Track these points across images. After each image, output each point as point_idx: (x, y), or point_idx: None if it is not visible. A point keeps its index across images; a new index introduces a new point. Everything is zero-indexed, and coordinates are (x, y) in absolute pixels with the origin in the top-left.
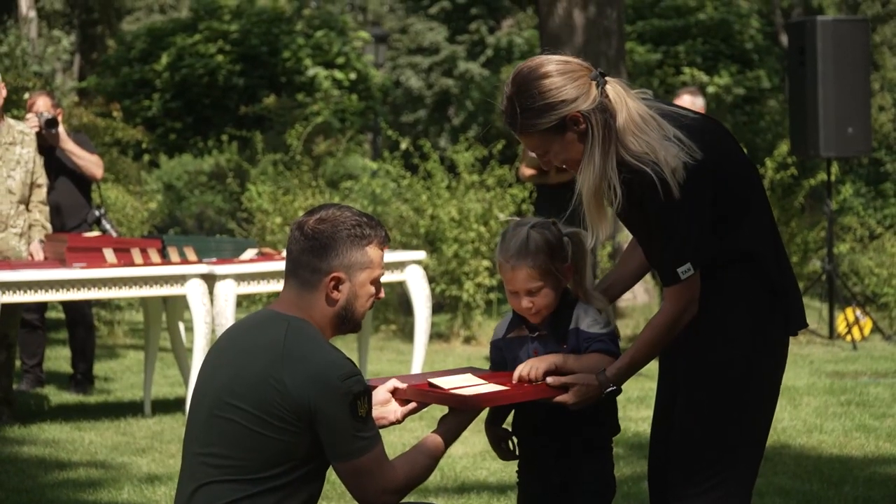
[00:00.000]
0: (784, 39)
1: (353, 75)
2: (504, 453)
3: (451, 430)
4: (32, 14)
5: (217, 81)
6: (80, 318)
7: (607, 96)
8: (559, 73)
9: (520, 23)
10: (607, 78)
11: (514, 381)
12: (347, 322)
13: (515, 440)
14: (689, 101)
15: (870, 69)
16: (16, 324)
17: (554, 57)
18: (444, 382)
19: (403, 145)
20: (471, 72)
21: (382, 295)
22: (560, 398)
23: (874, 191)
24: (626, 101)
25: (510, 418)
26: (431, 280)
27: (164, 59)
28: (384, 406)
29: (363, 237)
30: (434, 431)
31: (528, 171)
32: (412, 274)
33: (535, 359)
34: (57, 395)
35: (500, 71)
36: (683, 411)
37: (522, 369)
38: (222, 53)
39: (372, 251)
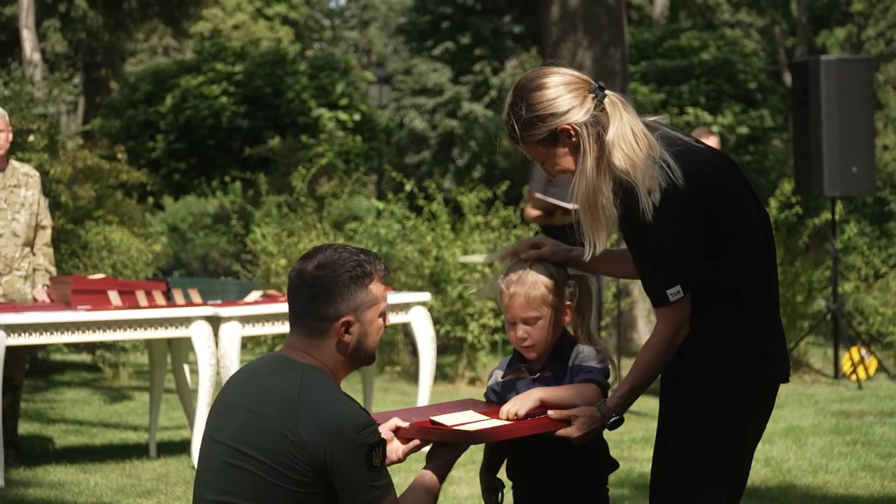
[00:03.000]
0: (788, 79)
1: (357, 116)
2: None
3: (442, 466)
4: (37, 57)
5: (221, 123)
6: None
7: (603, 109)
8: (556, 84)
9: (524, 63)
10: (608, 92)
11: (501, 419)
12: (361, 359)
13: (502, 495)
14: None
15: (874, 108)
16: (21, 367)
17: (554, 69)
18: (446, 420)
19: (408, 186)
20: (475, 113)
21: (389, 321)
22: (563, 431)
23: (878, 230)
24: (621, 114)
25: (505, 465)
26: (436, 321)
27: (169, 101)
28: (387, 445)
29: (364, 276)
30: (425, 468)
31: (533, 213)
32: (417, 315)
33: (519, 397)
34: (62, 438)
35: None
36: (660, 446)
37: (508, 408)
38: (226, 95)
39: (375, 288)
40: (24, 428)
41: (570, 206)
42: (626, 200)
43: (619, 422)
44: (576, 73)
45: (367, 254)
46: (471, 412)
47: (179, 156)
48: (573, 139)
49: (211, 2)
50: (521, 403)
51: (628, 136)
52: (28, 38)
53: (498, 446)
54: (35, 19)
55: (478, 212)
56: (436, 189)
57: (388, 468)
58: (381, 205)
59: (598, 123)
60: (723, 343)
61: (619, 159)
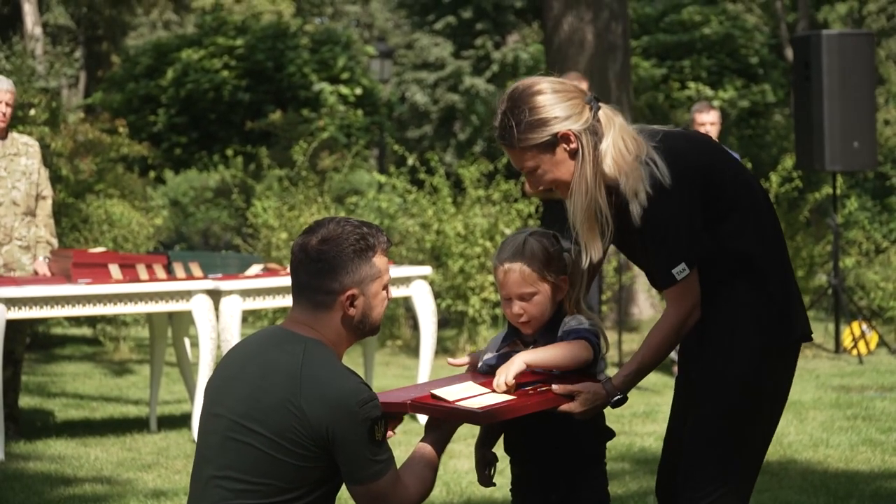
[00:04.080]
0: (789, 53)
1: (358, 90)
2: (484, 479)
3: (441, 438)
4: (38, 31)
5: (222, 97)
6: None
7: (598, 120)
8: (553, 91)
9: (525, 38)
10: (601, 104)
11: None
12: (366, 331)
13: (495, 469)
14: (705, 118)
15: (875, 83)
16: (22, 340)
17: (549, 77)
18: (446, 394)
19: (409, 160)
20: (476, 87)
21: (391, 294)
22: (566, 407)
23: (880, 205)
24: (615, 124)
25: (502, 439)
26: (437, 295)
27: (170, 75)
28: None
29: (368, 249)
30: (423, 440)
31: None
32: (418, 289)
33: (504, 365)
34: (63, 412)
35: (505, 86)
36: (691, 426)
37: (497, 380)
38: (227, 69)
39: (378, 260)
40: (25, 402)
41: None
42: (619, 204)
43: (623, 400)
44: (569, 82)
45: (370, 227)
46: (470, 384)
47: (180, 130)
48: (572, 145)
49: None
50: (507, 370)
51: (619, 145)
52: (29, 11)
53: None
54: None
55: (479, 185)
56: (437, 162)
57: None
58: (382, 178)
59: (596, 133)
60: (743, 311)
61: (608, 166)
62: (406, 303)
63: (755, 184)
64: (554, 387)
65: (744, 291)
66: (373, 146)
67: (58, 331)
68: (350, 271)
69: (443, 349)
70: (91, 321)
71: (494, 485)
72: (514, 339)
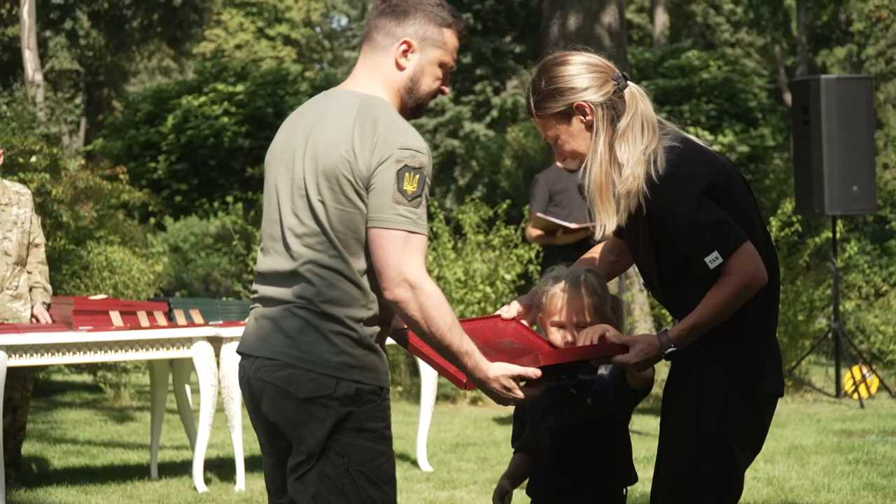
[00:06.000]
0: (788, 98)
1: None
2: None
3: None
4: (39, 77)
5: (223, 143)
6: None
7: (622, 97)
8: (579, 63)
9: (524, 83)
10: (630, 83)
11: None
12: (413, 95)
13: (510, 497)
14: None
15: (874, 127)
16: (22, 387)
17: (582, 52)
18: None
19: None
20: (476, 132)
21: (447, 89)
22: (621, 357)
23: (879, 248)
24: (637, 104)
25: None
26: None
27: (170, 121)
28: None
29: (444, 18)
30: None
31: (534, 232)
32: None
33: (589, 328)
34: (63, 459)
35: (505, 131)
36: (659, 453)
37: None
38: (228, 115)
39: (448, 34)
40: (26, 448)
41: (571, 225)
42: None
43: (677, 353)
44: (603, 59)
45: (457, 12)
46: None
47: (181, 177)
48: (588, 118)
49: (213, 22)
50: (591, 332)
51: (636, 128)
52: (30, 58)
53: (527, 463)
54: (40, 38)
55: (479, 231)
56: (437, 208)
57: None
58: None
59: (614, 108)
60: (716, 355)
61: (620, 150)
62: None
63: (760, 228)
64: (608, 334)
65: (721, 332)
66: None
67: (58, 377)
68: (416, 23)
69: (443, 395)
70: (92, 368)
71: None
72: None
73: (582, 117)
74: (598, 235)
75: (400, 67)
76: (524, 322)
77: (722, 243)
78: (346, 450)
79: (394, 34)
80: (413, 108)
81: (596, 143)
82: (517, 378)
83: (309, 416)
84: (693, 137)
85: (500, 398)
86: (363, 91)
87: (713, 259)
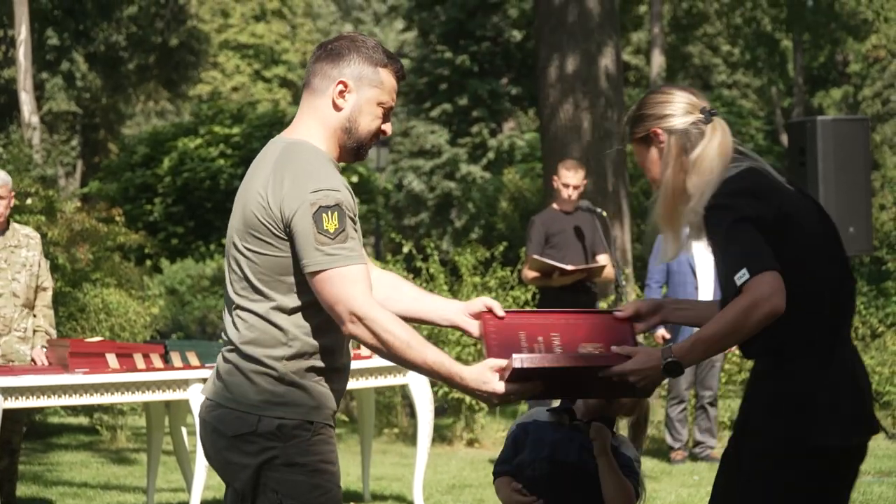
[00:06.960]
0: (784, 139)
1: (354, 178)
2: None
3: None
4: (35, 120)
5: (219, 185)
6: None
7: (702, 130)
8: (668, 93)
9: (521, 125)
10: (716, 118)
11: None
12: (352, 136)
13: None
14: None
15: (870, 168)
16: (19, 430)
17: (680, 86)
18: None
19: (406, 248)
20: (473, 174)
21: (388, 130)
22: (619, 367)
23: (876, 289)
24: (715, 137)
25: None
26: (434, 383)
27: (166, 164)
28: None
29: (379, 58)
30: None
31: (531, 274)
32: (415, 377)
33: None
34: (60, 501)
35: (501, 173)
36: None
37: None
38: (224, 157)
39: (385, 74)
40: (22, 491)
41: (567, 267)
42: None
43: (676, 366)
44: (696, 94)
45: (392, 53)
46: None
47: (177, 219)
48: (661, 145)
49: (210, 64)
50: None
51: (708, 159)
52: (26, 101)
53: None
54: (36, 80)
55: (475, 272)
56: (433, 248)
57: None
58: (379, 266)
59: (689, 139)
60: (757, 409)
61: (690, 181)
62: (403, 391)
63: (824, 270)
64: (613, 347)
65: (763, 381)
66: (369, 234)
67: (55, 420)
68: (352, 64)
69: (440, 437)
70: (88, 410)
71: None
72: (563, 415)
73: (658, 144)
74: (659, 261)
75: (337, 108)
76: (638, 325)
77: (752, 262)
78: (279, 485)
79: (330, 76)
80: (354, 149)
81: (665, 171)
82: (500, 372)
83: (238, 452)
84: (768, 169)
85: (484, 397)
86: (294, 137)
87: (741, 276)
